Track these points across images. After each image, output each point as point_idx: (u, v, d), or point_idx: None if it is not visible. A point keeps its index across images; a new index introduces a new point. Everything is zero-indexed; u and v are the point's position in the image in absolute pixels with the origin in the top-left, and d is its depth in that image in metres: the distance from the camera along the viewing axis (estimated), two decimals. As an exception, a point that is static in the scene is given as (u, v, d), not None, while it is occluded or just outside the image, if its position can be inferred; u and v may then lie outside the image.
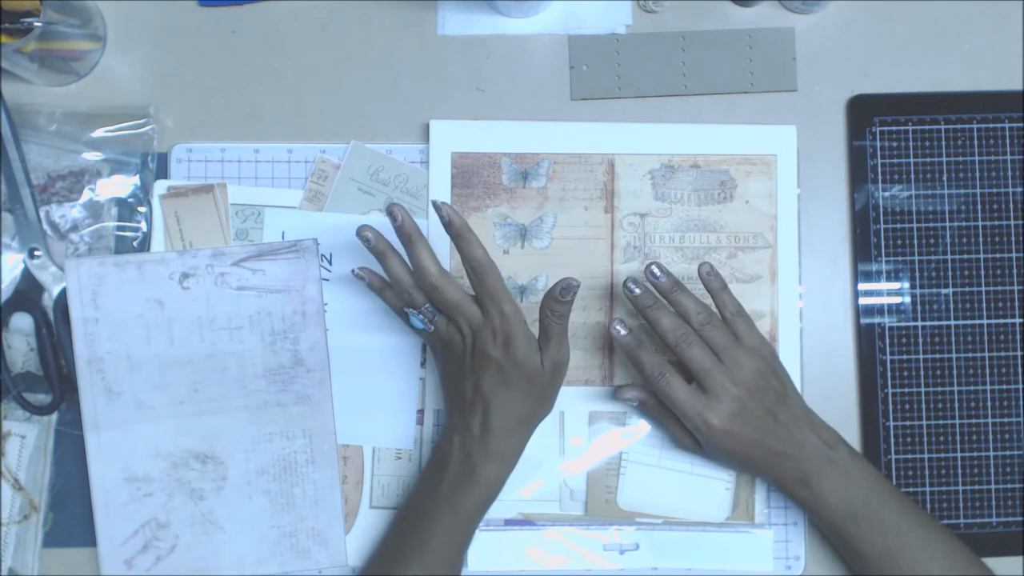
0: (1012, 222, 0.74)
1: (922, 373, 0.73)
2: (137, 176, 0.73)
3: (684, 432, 0.68)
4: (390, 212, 0.64)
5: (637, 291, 0.67)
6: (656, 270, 0.67)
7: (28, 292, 0.72)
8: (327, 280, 0.72)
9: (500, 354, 0.65)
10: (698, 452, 0.69)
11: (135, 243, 0.73)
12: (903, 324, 0.73)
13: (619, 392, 0.70)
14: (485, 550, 0.71)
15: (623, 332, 0.66)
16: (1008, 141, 0.74)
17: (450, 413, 0.68)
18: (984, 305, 0.73)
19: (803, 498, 0.66)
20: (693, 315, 0.66)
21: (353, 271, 0.68)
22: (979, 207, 0.74)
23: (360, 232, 0.65)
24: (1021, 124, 0.74)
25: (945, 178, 0.74)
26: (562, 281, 0.64)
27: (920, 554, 0.65)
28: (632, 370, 0.72)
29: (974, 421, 0.73)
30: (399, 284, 0.66)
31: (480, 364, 0.65)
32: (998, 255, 0.73)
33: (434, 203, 0.64)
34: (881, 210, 0.74)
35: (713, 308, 0.68)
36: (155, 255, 0.72)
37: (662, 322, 0.66)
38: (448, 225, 0.64)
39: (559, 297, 0.64)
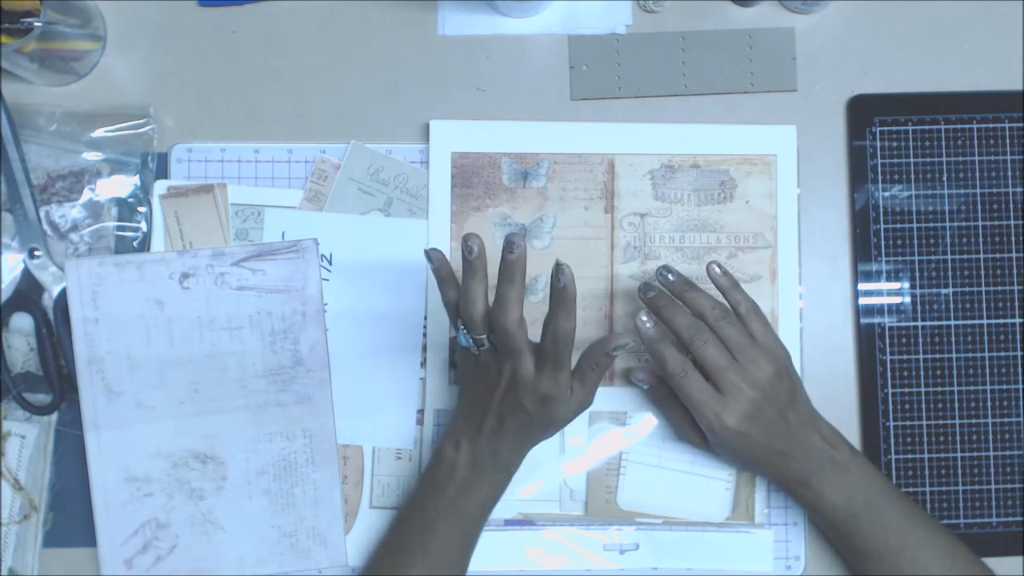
0: (1012, 222, 0.74)
1: (922, 373, 0.73)
2: (137, 176, 0.73)
3: (690, 427, 0.68)
4: (510, 240, 0.59)
5: (653, 293, 0.67)
6: (667, 272, 0.67)
7: (28, 292, 0.72)
8: (327, 280, 0.72)
9: (535, 409, 0.63)
10: (701, 447, 0.69)
11: (135, 243, 0.72)
12: (903, 324, 0.73)
13: (631, 373, 0.71)
14: (485, 550, 0.70)
15: (649, 324, 0.66)
16: (1008, 141, 0.74)
17: (462, 420, 0.67)
18: (984, 305, 0.73)
19: (804, 497, 0.66)
20: (708, 311, 0.66)
21: (426, 250, 0.64)
22: (979, 207, 0.74)
23: (466, 241, 0.60)
24: (1021, 124, 0.74)
25: (945, 178, 0.74)
26: (615, 337, 0.62)
27: (920, 553, 0.65)
28: (630, 360, 0.72)
29: (974, 421, 0.73)
30: (471, 304, 0.62)
31: (511, 407, 0.64)
32: (998, 255, 0.73)
33: (558, 263, 0.60)
34: (881, 210, 0.74)
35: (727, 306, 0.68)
36: (155, 255, 0.72)
37: (677, 321, 0.66)
38: (561, 289, 0.60)
39: (609, 352, 0.63)
